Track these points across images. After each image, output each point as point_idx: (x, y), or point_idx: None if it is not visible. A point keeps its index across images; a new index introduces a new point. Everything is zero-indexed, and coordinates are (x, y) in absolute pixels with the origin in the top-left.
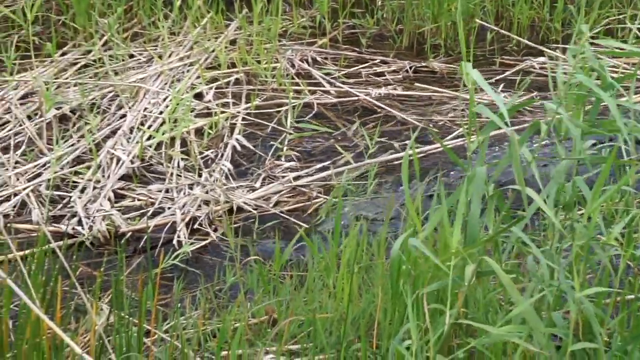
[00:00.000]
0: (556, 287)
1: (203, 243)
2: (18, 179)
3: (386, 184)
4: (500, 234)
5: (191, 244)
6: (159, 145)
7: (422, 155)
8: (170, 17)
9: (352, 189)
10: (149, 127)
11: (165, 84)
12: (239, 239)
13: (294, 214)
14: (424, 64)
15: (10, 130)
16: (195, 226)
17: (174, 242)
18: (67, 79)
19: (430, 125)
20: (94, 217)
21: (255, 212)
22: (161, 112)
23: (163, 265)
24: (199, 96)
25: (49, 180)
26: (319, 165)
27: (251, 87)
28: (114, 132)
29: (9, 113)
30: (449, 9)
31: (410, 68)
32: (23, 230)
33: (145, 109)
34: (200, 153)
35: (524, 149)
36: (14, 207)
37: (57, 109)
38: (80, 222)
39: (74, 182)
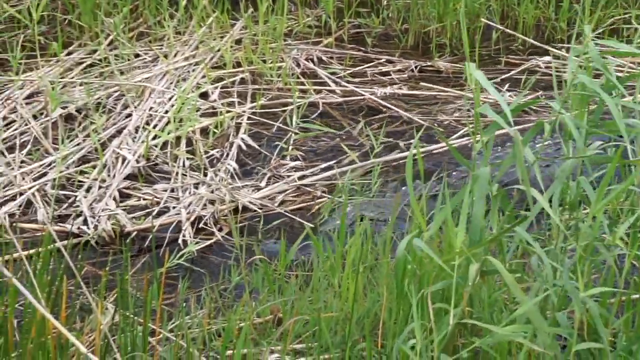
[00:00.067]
0: (560, 287)
1: (208, 242)
2: (24, 179)
3: (389, 184)
4: (504, 234)
5: (196, 243)
6: (164, 144)
7: (427, 154)
8: (176, 16)
9: (357, 189)
10: (155, 126)
11: (171, 83)
12: (244, 238)
13: (299, 213)
14: (429, 64)
15: (16, 129)
16: (201, 225)
17: (179, 241)
18: (72, 78)
19: (436, 124)
20: (99, 216)
21: (260, 211)
22: (167, 112)
23: (168, 265)
24: (204, 95)
25: (54, 179)
26: (324, 165)
27: (257, 86)
28: (119, 132)
29: (14, 112)
30: (455, 8)
31: (416, 67)
32: (28, 229)
33: (151, 108)
34: (206, 152)
35: (527, 149)
36: (20, 206)
37: (63, 108)
38: (85, 222)
39: (79, 181)
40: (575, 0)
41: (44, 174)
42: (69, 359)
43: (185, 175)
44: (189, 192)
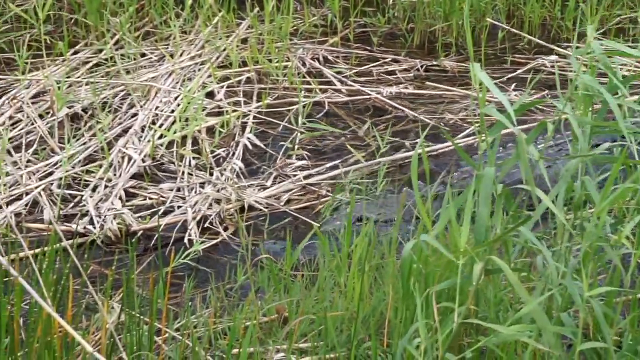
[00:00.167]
0: (565, 287)
1: (214, 242)
2: (30, 178)
3: (392, 184)
4: (508, 233)
5: (202, 242)
6: (170, 144)
7: (430, 155)
8: (182, 15)
9: (361, 188)
10: (161, 125)
11: (177, 82)
12: (249, 237)
13: (304, 212)
14: (435, 63)
15: (22, 129)
16: (206, 225)
17: (185, 240)
18: (78, 77)
19: (442, 124)
20: (105, 215)
21: (266, 210)
22: (172, 111)
23: (174, 264)
24: (210, 95)
25: (60, 179)
26: (329, 164)
27: (262, 85)
28: (125, 131)
29: (20, 112)
30: (460, 7)
31: (422, 67)
32: (34, 228)
33: (157, 107)
34: (212, 152)
35: (531, 148)
36: (26, 205)
37: (69, 107)
38: (91, 221)
39: (85, 180)
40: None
41: (50, 174)
42: (75, 358)
43: (191, 175)
44: (195, 192)
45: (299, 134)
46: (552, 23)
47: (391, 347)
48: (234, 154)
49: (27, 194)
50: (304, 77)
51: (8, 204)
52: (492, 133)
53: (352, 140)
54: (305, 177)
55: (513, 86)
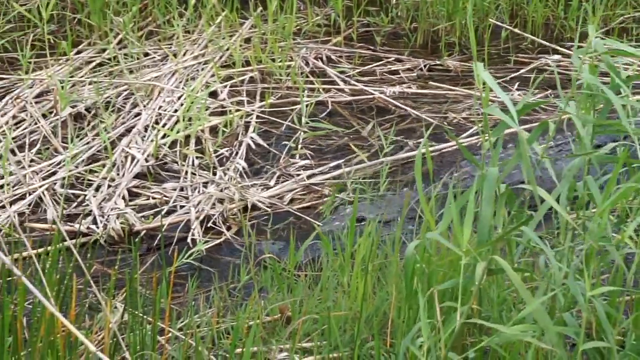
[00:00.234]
0: (568, 287)
1: (217, 241)
2: (33, 178)
3: (391, 184)
4: (509, 233)
5: (205, 242)
6: (173, 143)
7: (434, 154)
8: (185, 15)
9: (364, 188)
10: (164, 125)
11: (180, 82)
12: (252, 237)
13: (307, 212)
14: (438, 62)
15: (25, 128)
16: (209, 224)
17: (188, 240)
18: (82, 77)
19: (445, 123)
20: (109, 215)
21: (269, 210)
22: (176, 111)
23: (177, 264)
24: (213, 94)
25: (63, 178)
26: (333, 164)
27: (265, 85)
28: (128, 131)
29: (24, 111)
30: (464, 7)
31: (425, 66)
32: (38, 228)
33: (160, 107)
34: (215, 151)
35: (535, 145)
36: (29, 205)
37: (72, 107)
38: (94, 221)
39: (88, 180)
40: None
41: (54, 173)
42: (78, 358)
43: (195, 174)
44: (198, 191)
45: (302, 133)
46: (555, 23)
47: (394, 346)
48: (237, 153)
49: (30, 193)
50: (307, 76)
51: (11, 203)
52: (495, 133)
53: (355, 139)
54: (309, 177)
55: (516, 86)
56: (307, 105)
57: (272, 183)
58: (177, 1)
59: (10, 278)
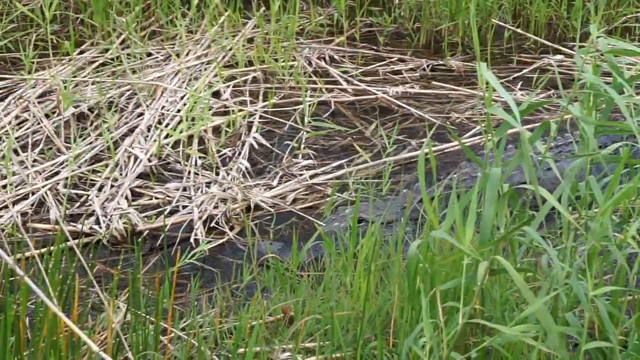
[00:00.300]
0: (571, 287)
1: (220, 241)
2: (36, 178)
3: (392, 185)
4: (511, 233)
5: (208, 242)
6: (176, 143)
7: (436, 154)
8: (188, 15)
9: (366, 189)
10: (167, 125)
11: (183, 82)
12: (255, 237)
13: (310, 212)
14: (441, 62)
15: (28, 128)
16: (212, 225)
17: (191, 240)
18: (85, 77)
19: (448, 123)
20: (111, 215)
21: (272, 210)
22: (179, 111)
23: (180, 264)
24: (216, 94)
25: (66, 178)
26: (335, 164)
27: (268, 85)
28: (131, 131)
29: (27, 111)
30: (467, 6)
31: (428, 66)
32: (41, 228)
33: (163, 107)
34: (218, 151)
35: (538, 143)
36: (32, 205)
37: (75, 107)
38: (97, 221)
39: (91, 180)
40: None
41: (56, 173)
42: (81, 358)
43: (197, 174)
44: (201, 191)
45: (305, 133)
46: (558, 22)
47: (397, 346)
48: (240, 153)
49: (33, 193)
50: (310, 76)
51: (14, 203)
52: (498, 133)
53: (358, 140)
54: (311, 177)
55: (519, 85)
56: (309, 105)
57: (274, 183)
58: (179, 1)
59: (13, 278)
